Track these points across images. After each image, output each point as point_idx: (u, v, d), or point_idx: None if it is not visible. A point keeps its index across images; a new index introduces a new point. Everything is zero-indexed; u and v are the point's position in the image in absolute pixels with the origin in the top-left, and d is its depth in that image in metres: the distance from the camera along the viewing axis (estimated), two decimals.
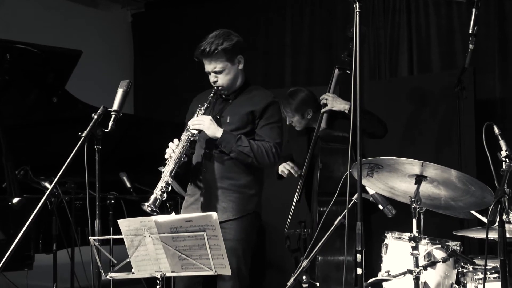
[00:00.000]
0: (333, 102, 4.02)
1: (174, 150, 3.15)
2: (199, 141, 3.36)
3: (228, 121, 3.29)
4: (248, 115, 3.29)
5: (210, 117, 3.22)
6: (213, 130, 3.19)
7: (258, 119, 3.29)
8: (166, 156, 3.16)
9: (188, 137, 3.18)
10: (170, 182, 3.09)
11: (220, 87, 3.30)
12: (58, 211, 3.98)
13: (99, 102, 3.06)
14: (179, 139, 3.19)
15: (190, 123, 3.21)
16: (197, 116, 3.23)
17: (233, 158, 3.23)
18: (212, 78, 3.31)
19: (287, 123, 4.24)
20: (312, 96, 4.22)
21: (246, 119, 3.29)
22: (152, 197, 3.05)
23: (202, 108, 3.25)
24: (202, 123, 3.19)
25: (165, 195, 3.07)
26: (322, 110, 4.07)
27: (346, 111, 3.98)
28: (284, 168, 4.16)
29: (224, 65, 3.27)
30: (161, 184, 3.07)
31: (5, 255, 2.47)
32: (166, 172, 3.10)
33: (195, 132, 3.19)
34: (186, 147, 3.17)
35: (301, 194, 4.01)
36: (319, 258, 3.78)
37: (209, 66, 3.29)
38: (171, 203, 4.47)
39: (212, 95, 3.29)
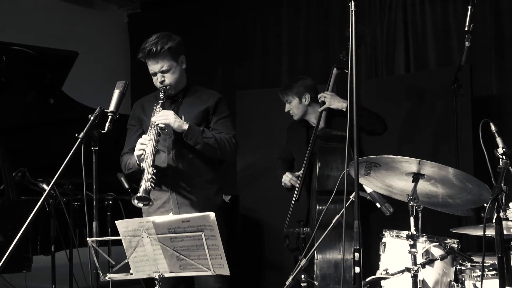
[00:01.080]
0: (331, 101, 4.04)
1: (147, 144, 3.16)
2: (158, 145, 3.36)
3: (183, 120, 3.32)
4: (203, 112, 3.38)
5: (172, 111, 3.26)
6: (179, 123, 3.23)
7: (212, 115, 3.40)
8: (138, 153, 3.17)
9: (157, 131, 3.20)
10: (154, 173, 3.10)
11: (167, 86, 3.35)
12: (56, 213, 3.98)
13: (95, 103, 3.06)
14: (147, 135, 3.22)
15: (153, 119, 3.22)
16: (158, 111, 3.26)
17: (199, 150, 3.27)
18: (159, 78, 3.36)
19: (285, 110, 4.26)
20: (314, 84, 4.27)
21: (202, 116, 3.37)
22: (142, 189, 3.05)
23: (159, 106, 3.28)
24: (167, 117, 3.22)
25: (153, 184, 3.08)
26: (321, 109, 4.08)
27: (344, 109, 3.99)
28: (286, 180, 4.22)
29: (171, 64, 3.35)
30: (146, 175, 3.08)
31: (3, 257, 2.47)
32: (148, 164, 3.11)
33: (163, 126, 3.21)
34: (157, 140, 3.19)
35: (300, 193, 4.02)
36: (318, 256, 3.78)
37: (155, 66, 3.35)
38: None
39: (162, 93, 3.32)
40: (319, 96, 4.12)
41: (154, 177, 3.09)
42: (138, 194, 3.04)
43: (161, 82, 3.35)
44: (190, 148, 3.29)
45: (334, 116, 4.10)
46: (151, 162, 3.11)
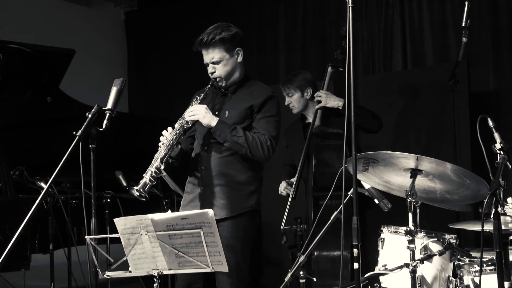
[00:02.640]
0: (327, 99, 4.04)
1: (167, 137, 3.13)
2: (197, 137, 3.36)
3: (226, 115, 3.26)
4: (247, 110, 3.26)
5: (205, 106, 3.19)
6: (209, 119, 3.16)
7: (256, 113, 3.27)
8: (160, 143, 3.14)
9: (181, 125, 3.15)
10: (161, 168, 3.07)
11: (217, 78, 3.27)
12: (54, 211, 3.98)
13: (93, 101, 3.05)
14: (173, 127, 3.18)
15: (185, 113, 3.18)
16: (192, 105, 3.21)
17: (227, 148, 3.20)
18: (210, 69, 3.28)
19: (286, 103, 4.27)
20: (313, 79, 4.30)
21: (245, 114, 3.26)
22: (142, 182, 3.02)
23: (198, 98, 3.23)
24: (197, 112, 3.16)
25: (154, 180, 3.05)
26: (316, 107, 4.09)
27: (340, 108, 4.00)
28: (281, 188, 4.25)
29: (222, 56, 3.25)
30: (151, 169, 3.05)
31: (1, 255, 2.46)
32: (157, 157, 3.08)
33: (189, 121, 3.16)
34: (180, 134, 3.14)
35: (297, 191, 4.02)
36: (315, 252, 3.79)
37: (207, 57, 3.27)
38: (167, 201, 4.47)
39: (209, 86, 3.26)
40: (314, 95, 4.13)
41: (158, 170, 3.04)
42: (136, 187, 3.01)
43: (212, 74, 3.27)
44: (224, 146, 3.21)
45: (330, 114, 4.10)
46: (162, 156, 3.07)
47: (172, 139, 3.12)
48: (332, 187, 3.01)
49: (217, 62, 3.25)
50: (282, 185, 4.25)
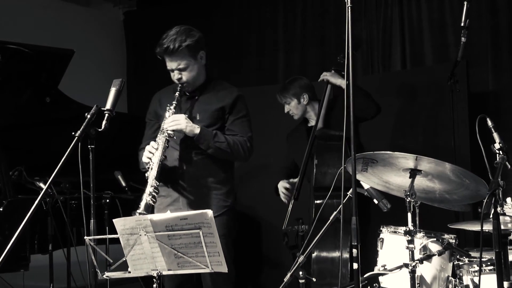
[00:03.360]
0: (332, 78, 4.09)
1: (154, 153, 3.14)
2: (171, 141, 3.36)
3: (198, 118, 3.29)
4: (218, 111, 3.31)
5: (184, 115, 3.22)
6: (191, 128, 3.19)
7: (228, 114, 3.33)
8: (145, 160, 3.16)
9: (165, 138, 3.17)
10: (157, 186, 3.09)
11: (184, 84, 3.29)
12: (53, 211, 3.98)
13: (92, 101, 3.06)
14: (155, 141, 3.19)
15: (165, 126, 3.18)
16: (168, 116, 3.22)
17: (211, 154, 3.24)
18: (176, 75, 3.31)
19: (285, 111, 4.29)
20: (310, 83, 4.32)
21: (216, 116, 3.31)
22: (143, 204, 3.04)
23: (172, 108, 3.24)
24: (178, 122, 3.18)
25: (155, 199, 3.07)
26: (323, 78, 4.12)
27: (343, 86, 4.02)
28: (279, 188, 4.28)
29: (188, 62, 3.28)
30: (149, 189, 3.07)
31: (0, 256, 2.46)
32: (152, 176, 3.10)
33: (171, 133, 3.18)
34: (165, 148, 3.16)
35: (299, 192, 4.03)
36: (314, 251, 3.80)
37: (172, 64, 3.30)
38: None
39: (178, 93, 3.27)
40: (321, 76, 4.16)
41: (156, 190, 3.08)
42: (139, 210, 3.03)
43: (178, 80, 3.30)
44: (201, 148, 3.25)
45: (332, 110, 4.12)
46: (155, 174, 3.09)
47: (160, 154, 3.14)
48: (332, 187, 3.01)
49: (183, 68, 3.28)
50: (281, 185, 4.27)
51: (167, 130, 3.17)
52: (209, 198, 3.28)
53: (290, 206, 4.03)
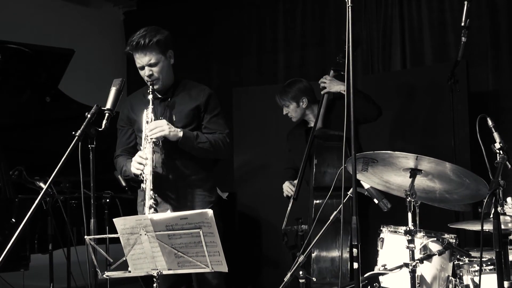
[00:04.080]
0: (331, 85, 4.10)
1: (145, 165, 3.14)
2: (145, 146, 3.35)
3: (174, 119, 3.30)
4: (193, 110, 3.34)
5: (165, 121, 3.22)
6: (174, 133, 3.20)
7: (203, 113, 3.36)
8: (137, 172, 3.17)
9: (152, 148, 3.17)
10: (155, 197, 3.11)
11: (154, 81, 3.29)
12: (53, 211, 3.97)
13: (92, 101, 3.05)
14: (141, 150, 3.20)
15: (149, 133, 3.18)
16: (148, 123, 3.22)
17: (194, 155, 3.28)
18: (146, 72, 3.31)
19: (284, 113, 4.30)
20: (309, 86, 4.31)
21: (192, 115, 3.34)
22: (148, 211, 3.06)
23: (150, 113, 3.24)
24: (161, 129, 3.18)
25: (156, 211, 3.08)
26: (322, 92, 4.13)
27: (343, 92, 4.03)
28: (286, 190, 4.27)
29: (159, 58, 3.30)
30: (148, 202, 3.09)
31: (0, 256, 2.46)
32: (148, 188, 3.11)
33: (156, 140, 3.19)
34: (154, 154, 3.17)
35: (298, 192, 4.03)
36: (314, 251, 3.80)
37: (143, 59, 3.30)
38: None
39: (151, 94, 3.26)
40: (319, 81, 4.16)
41: (156, 202, 3.10)
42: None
43: (149, 76, 3.30)
44: (181, 150, 3.26)
45: (331, 111, 4.12)
46: (151, 186, 3.10)
47: (151, 164, 3.14)
48: (332, 187, 3.01)
49: (154, 64, 3.29)
50: (286, 185, 4.29)
51: (151, 138, 3.17)
52: (193, 196, 3.32)
53: (290, 205, 4.03)
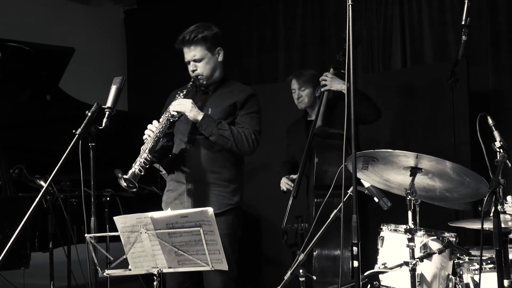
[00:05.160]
0: (332, 83, 4.10)
1: (153, 130, 3.15)
2: (178, 135, 3.38)
3: (209, 113, 3.30)
4: (230, 107, 3.32)
5: (191, 100, 3.24)
6: (195, 113, 3.20)
7: (239, 110, 3.33)
8: (144, 137, 3.17)
9: (167, 118, 3.19)
10: (149, 159, 3.08)
11: (199, 76, 3.32)
12: (53, 209, 3.98)
13: (92, 99, 3.06)
14: (158, 121, 3.21)
15: (170, 107, 3.21)
16: (177, 100, 3.25)
17: (213, 141, 3.23)
18: (191, 67, 3.34)
19: (295, 97, 4.31)
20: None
21: (228, 111, 3.31)
22: (130, 172, 3.03)
23: (181, 94, 3.27)
24: (184, 105, 3.20)
25: (143, 171, 3.05)
26: (322, 89, 4.13)
27: (344, 91, 4.03)
28: (284, 186, 4.27)
29: (204, 54, 3.32)
30: (139, 159, 3.06)
31: (1, 254, 2.46)
32: (145, 149, 3.09)
33: (175, 113, 3.20)
34: (165, 127, 3.17)
35: (298, 190, 4.03)
36: (316, 250, 3.80)
37: (188, 54, 3.33)
38: None
39: (191, 83, 3.31)
40: (320, 79, 4.16)
41: (146, 161, 3.05)
42: (125, 176, 3.01)
43: (193, 71, 3.33)
44: (210, 142, 3.25)
45: (333, 110, 4.13)
46: (150, 147, 3.09)
47: (159, 131, 3.15)
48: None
49: (198, 60, 3.32)
50: (283, 181, 4.27)
51: (170, 111, 3.19)
52: (213, 194, 3.27)
53: (289, 204, 4.03)
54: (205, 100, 3.35)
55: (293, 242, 4.08)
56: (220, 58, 3.38)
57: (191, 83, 3.32)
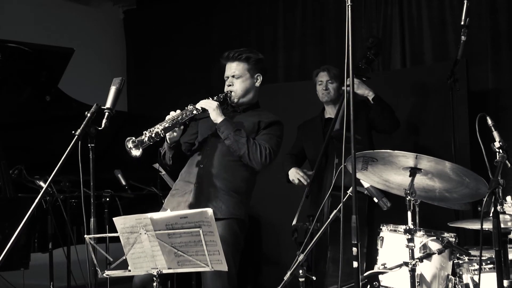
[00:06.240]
0: (358, 86, 4.12)
1: (173, 115, 3.20)
2: (199, 136, 3.42)
3: None
4: (255, 125, 3.35)
5: (217, 103, 3.29)
6: (217, 113, 3.25)
7: (262, 129, 3.35)
8: (165, 120, 3.19)
9: (191, 110, 3.23)
10: (161, 135, 3.09)
11: (232, 92, 3.37)
12: (53, 210, 3.98)
13: (92, 100, 3.06)
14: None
15: (198, 103, 3.26)
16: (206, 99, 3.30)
17: (227, 145, 3.25)
18: (228, 82, 3.40)
19: (322, 88, 4.34)
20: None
21: (252, 127, 3.34)
22: (140, 138, 3.03)
23: (211, 98, 3.32)
24: (209, 104, 3.26)
25: (152, 142, 3.06)
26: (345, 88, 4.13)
27: (369, 97, 4.11)
28: (295, 176, 4.26)
29: (243, 72, 3.38)
30: (152, 129, 3.07)
31: (0, 255, 2.46)
32: (160, 125, 3.12)
33: (199, 109, 3.24)
34: (186, 116, 3.20)
35: (311, 190, 4.02)
36: (330, 251, 3.80)
37: (229, 70, 3.41)
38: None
39: (223, 95, 3.35)
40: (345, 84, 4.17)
41: (157, 135, 3.06)
42: (134, 138, 3.01)
43: (228, 86, 3.39)
44: (227, 148, 3.26)
45: (355, 118, 4.13)
46: (166, 126, 3.11)
47: (179, 117, 3.18)
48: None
49: (237, 76, 3.37)
50: (296, 171, 4.26)
51: (195, 105, 3.25)
52: (219, 199, 3.24)
53: (301, 202, 4.02)
54: (233, 117, 3.38)
55: (302, 240, 4.07)
56: (257, 84, 3.43)
57: (223, 95, 3.36)
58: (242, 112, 3.43)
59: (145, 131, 3.07)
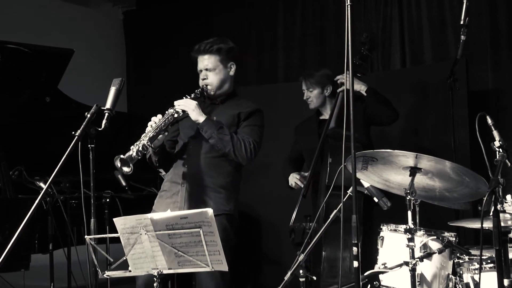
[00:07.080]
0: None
1: (155, 121, 3.18)
2: (181, 138, 3.41)
3: (214, 120, 3.31)
4: (235, 117, 3.35)
5: (195, 102, 3.27)
6: (197, 113, 3.24)
7: (242, 121, 3.36)
8: (147, 128, 3.18)
9: (171, 113, 3.21)
10: (147, 147, 3.09)
11: (208, 86, 3.37)
12: (53, 211, 3.98)
13: (92, 100, 3.06)
14: (162, 115, 3.23)
15: (175, 102, 3.24)
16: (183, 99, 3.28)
17: (212, 144, 3.26)
18: (201, 76, 3.39)
19: (304, 98, 4.32)
20: (333, 76, 4.31)
21: (232, 120, 3.34)
22: (127, 154, 3.03)
23: (188, 97, 3.29)
24: (188, 105, 3.24)
25: (140, 156, 3.06)
26: (339, 90, 4.13)
27: (363, 92, 4.06)
28: (292, 181, 4.27)
29: (216, 64, 3.37)
30: (138, 143, 3.07)
31: (1, 256, 2.46)
32: (145, 136, 3.11)
33: (180, 111, 3.22)
34: (169, 121, 3.19)
35: (308, 190, 4.03)
36: (326, 249, 3.80)
37: (201, 63, 3.38)
38: None
39: (199, 90, 3.34)
40: (337, 77, 4.16)
41: (145, 147, 3.06)
42: (122, 156, 3.01)
43: (203, 80, 3.38)
44: (211, 146, 3.27)
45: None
46: (150, 136, 3.11)
47: (162, 123, 3.17)
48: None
49: (210, 69, 3.36)
50: (293, 176, 4.26)
51: (174, 107, 3.23)
52: (207, 197, 3.27)
53: (298, 202, 4.02)
54: (211, 110, 3.38)
55: (300, 240, 4.07)
56: (231, 73, 3.43)
57: (199, 90, 3.35)
58: (220, 104, 3.43)
59: (132, 146, 3.07)
